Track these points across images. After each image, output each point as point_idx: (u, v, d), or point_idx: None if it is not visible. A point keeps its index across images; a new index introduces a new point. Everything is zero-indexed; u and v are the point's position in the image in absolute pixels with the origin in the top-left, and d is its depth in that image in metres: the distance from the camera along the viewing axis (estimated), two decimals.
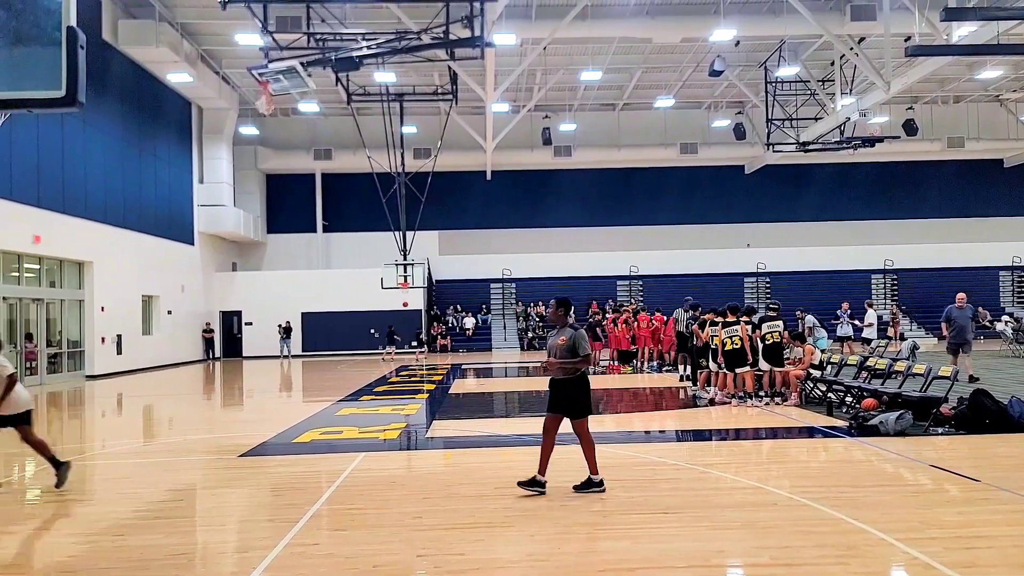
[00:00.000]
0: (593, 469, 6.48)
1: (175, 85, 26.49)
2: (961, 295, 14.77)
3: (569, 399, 6.44)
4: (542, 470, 6.46)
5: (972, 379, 13.64)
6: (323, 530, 5.64)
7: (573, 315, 6.83)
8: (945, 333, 14.82)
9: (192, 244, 29.23)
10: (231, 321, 31.80)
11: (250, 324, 31.52)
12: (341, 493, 6.75)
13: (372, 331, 30.92)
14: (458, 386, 17.40)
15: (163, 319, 26.49)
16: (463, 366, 23.57)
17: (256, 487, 7.39)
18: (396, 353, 27.76)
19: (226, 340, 31.65)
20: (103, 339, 22.07)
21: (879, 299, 34.20)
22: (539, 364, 23.55)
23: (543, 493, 6.36)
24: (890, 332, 26.62)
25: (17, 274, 19.26)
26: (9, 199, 17.93)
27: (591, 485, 6.44)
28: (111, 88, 22.89)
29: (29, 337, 19.28)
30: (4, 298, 18.55)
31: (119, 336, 23.04)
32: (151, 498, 6.95)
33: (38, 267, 20.09)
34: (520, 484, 6.44)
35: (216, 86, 27.87)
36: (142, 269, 24.70)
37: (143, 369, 24.12)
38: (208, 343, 30.21)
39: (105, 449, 10.14)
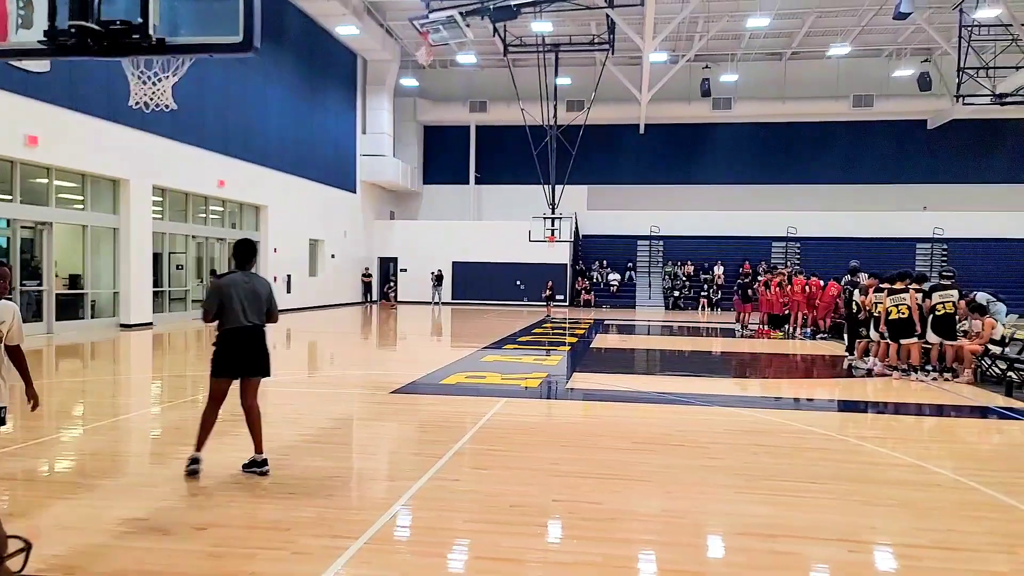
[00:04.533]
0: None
1: (343, 37, 27.78)
2: None
3: None
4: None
5: None
6: (464, 467, 5.89)
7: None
8: None
9: (354, 192, 30.88)
10: (387, 267, 33.52)
11: (405, 271, 33.06)
12: (482, 434, 7.01)
13: (519, 283, 31.55)
14: (600, 340, 17.41)
15: (327, 262, 28.36)
16: (605, 321, 23.52)
17: (405, 422, 7.82)
18: (554, 305, 28.58)
19: (383, 285, 33.42)
20: (275, 278, 23.95)
21: None
22: (683, 324, 23.21)
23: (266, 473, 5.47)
24: None
25: (204, 215, 21.28)
26: (200, 146, 19.78)
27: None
28: (286, 41, 24.38)
29: (214, 273, 21.34)
30: (193, 236, 20.61)
31: (289, 276, 24.98)
32: (313, 424, 7.55)
33: (222, 209, 22.08)
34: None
35: (380, 38, 28.94)
36: (309, 214, 26.49)
37: (309, 308, 26.05)
38: (367, 287, 32.09)
39: (275, 379, 11.08)
